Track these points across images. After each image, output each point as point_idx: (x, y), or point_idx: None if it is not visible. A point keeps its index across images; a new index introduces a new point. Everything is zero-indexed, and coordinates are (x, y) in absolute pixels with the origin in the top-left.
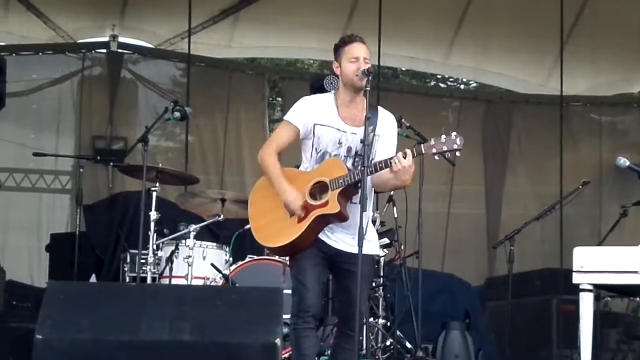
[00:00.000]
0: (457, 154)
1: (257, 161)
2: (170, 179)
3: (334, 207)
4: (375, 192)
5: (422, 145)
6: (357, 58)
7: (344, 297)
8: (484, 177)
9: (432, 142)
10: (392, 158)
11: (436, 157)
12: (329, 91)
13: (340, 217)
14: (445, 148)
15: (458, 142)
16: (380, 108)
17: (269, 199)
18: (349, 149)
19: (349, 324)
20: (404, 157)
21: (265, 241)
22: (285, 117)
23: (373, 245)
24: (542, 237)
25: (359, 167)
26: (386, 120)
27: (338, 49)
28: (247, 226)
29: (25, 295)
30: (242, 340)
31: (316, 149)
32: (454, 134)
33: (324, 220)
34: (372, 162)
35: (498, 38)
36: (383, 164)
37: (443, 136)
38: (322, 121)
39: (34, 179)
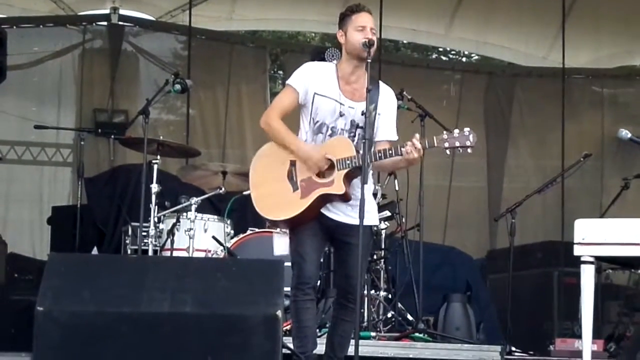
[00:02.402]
0: (469, 150)
1: (258, 134)
2: (172, 151)
3: (339, 188)
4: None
5: (434, 138)
6: (364, 27)
7: (341, 269)
8: (486, 150)
9: (445, 136)
10: (402, 147)
11: (447, 152)
12: (333, 62)
13: (344, 198)
14: (457, 144)
15: (471, 139)
16: (381, 83)
17: (272, 168)
18: (350, 123)
19: (347, 295)
20: (416, 149)
21: (265, 212)
22: (288, 81)
23: (371, 216)
24: (544, 210)
25: (357, 142)
26: (387, 97)
27: (344, 17)
28: (247, 192)
29: (27, 268)
30: (243, 312)
31: (313, 119)
32: (467, 129)
33: (326, 199)
34: (375, 142)
35: (500, 10)
36: (393, 152)
37: (456, 131)
38: (322, 91)
39: (36, 152)
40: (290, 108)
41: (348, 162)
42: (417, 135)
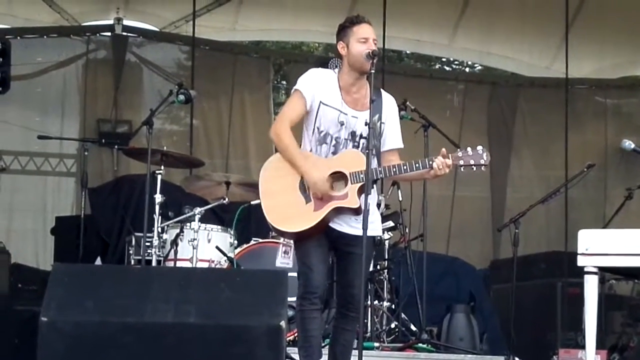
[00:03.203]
0: (483, 169)
1: (261, 144)
2: (175, 162)
3: (354, 202)
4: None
5: (450, 156)
6: (367, 39)
7: (342, 279)
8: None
9: (460, 153)
10: (421, 162)
11: (462, 169)
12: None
13: (357, 212)
14: (472, 162)
15: (485, 158)
16: (383, 92)
17: (283, 178)
18: (352, 133)
19: (348, 305)
20: (447, 165)
21: (277, 223)
22: (296, 87)
23: (374, 227)
24: (547, 220)
25: (362, 151)
26: (390, 106)
27: (344, 29)
28: (254, 202)
29: (31, 278)
30: (247, 322)
31: (318, 128)
32: (480, 147)
33: (339, 212)
34: (383, 152)
35: (503, 20)
36: (420, 165)
37: (469, 149)
38: (327, 100)
39: (39, 162)
40: (300, 116)
41: (362, 175)
42: (444, 150)
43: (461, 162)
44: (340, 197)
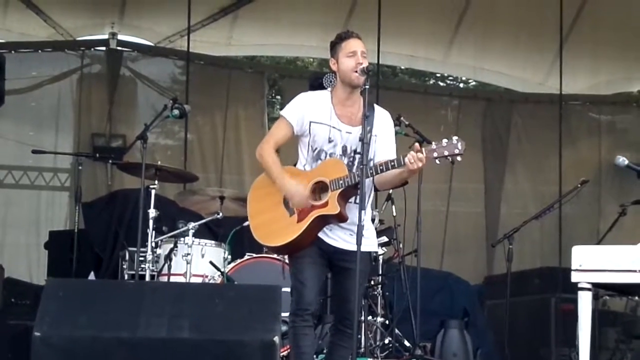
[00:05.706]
0: (459, 158)
1: (255, 159)
2: (169, 176)
3: (333, 209)
4: (376, 190)
5: (423, 150)
6: (355, 52)
7: (338, 294)
8: (483, 175)
9: (434, 146)
10: (396, 160)
11: (437, 162)
12: (327, 89)
13: (340, 218)
14: (446, 152)
15: (459, 147)
16: (376, 106)
17: (268, 196)
18: (344, 148)
19: (344, 321)
20: (418, 159)
21: (264, 240)
22: (282, 113)
23: (370, 242)
24: (541, 236)
25: (357, 167)
26: (383, 119)
27: (335, 45)
28: (246, 223)
29: (24, 293)
30: (240, 337)
31: (312, 147)
32: (455, 138)
33: (323, 221)
34: (372, 161)
35: (497, 36)
36: (395, 163)
37: (445, 140)
38: (317, 119)
39: (33, 177)
40: (284, 140)
41: (341, 182)
42: (417, 145)
43: (435, 155)
44: (320, 205)
